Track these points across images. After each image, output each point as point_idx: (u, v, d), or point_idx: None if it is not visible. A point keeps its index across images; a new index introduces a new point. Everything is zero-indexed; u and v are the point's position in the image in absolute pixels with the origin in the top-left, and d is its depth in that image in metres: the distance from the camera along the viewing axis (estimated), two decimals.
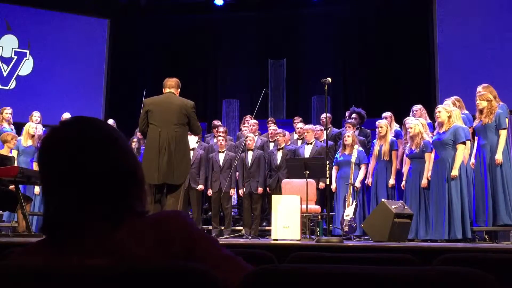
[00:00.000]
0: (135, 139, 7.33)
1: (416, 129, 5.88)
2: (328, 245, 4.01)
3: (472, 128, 5.80)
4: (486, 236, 5.68)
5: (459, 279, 0.84)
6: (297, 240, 5.39)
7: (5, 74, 9.81)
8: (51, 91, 9.76)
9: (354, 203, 6.14)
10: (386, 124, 6.53)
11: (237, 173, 7.19)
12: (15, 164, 5.97)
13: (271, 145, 7.49)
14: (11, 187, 5.47)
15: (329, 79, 5.18)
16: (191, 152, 6.30)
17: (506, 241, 5.35)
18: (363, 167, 6.58)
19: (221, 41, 10.74)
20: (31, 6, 9.92)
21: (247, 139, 7.03)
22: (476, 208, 5.49)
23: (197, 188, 7.12)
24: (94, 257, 0.93)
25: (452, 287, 0.83)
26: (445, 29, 9.10)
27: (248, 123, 7.77)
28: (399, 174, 6.29)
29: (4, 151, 6.26)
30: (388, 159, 6.37)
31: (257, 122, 7.78)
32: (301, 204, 5.63)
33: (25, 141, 6.96)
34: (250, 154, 7.03)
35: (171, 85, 4.90)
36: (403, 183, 6.05)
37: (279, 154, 7.05)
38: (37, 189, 6.84)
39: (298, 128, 7.70)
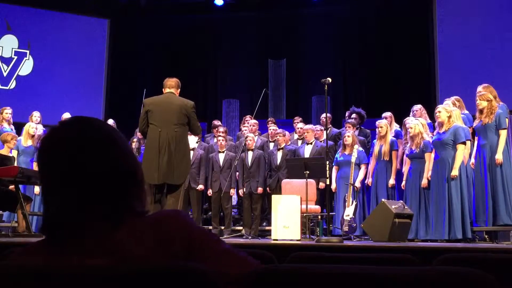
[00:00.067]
0: (135, 139, 7.32)
1: (416, 129, 5.88)
2: (328, 245, 4.01)
3: (472, 128, 5.80)
4: (486, 236, 5.68)
5: (459, 279, 0.84)
6: (297, 240, 5.38)
7: (5, 74, 9.81)
8: (51, 91, 9.76)
9: (354, 203, 6.14)
10: (386, 124, 6.53)
11: (237, 173, 7.19)
12: (15, 164, 5.98)
13: (271, 145, 7.49)
14: (11, 187, 5.46)
15: (329, 79, 5.18)
16: (191, 152, 6.30)
17: (506, 241, 5.35)
18: (363, 167, 6.58)
19: (221, 41, 10.74)
20: (31, 6, 9.92)
21: (247, 139, 7.03)
22: (476, 208, 5.49)
23: (197, 188, 7.12)
24: (94, 257, 0.93)
25: (452, 287, 0.83)
26: (445, 29, 9.10)
27: (248, 123, 7.76)
28: (399, 174, 6.29)
29: (4, 151, 6.25)
30: (388, 159, 6.37)
31: (257, 122, 7.78)
32: (301, 204, 5.62)
33: (25, 141, 6.96)
34: (250, 154, 7.03)
35: (171, 85, 4.90)
36: (403, 183, 6.05)
37: (279, 154, 7.05)
38: (37, 189, 6.84)
39: (298, 128, 7.70)
